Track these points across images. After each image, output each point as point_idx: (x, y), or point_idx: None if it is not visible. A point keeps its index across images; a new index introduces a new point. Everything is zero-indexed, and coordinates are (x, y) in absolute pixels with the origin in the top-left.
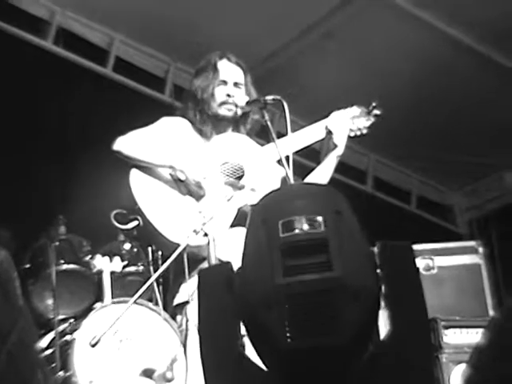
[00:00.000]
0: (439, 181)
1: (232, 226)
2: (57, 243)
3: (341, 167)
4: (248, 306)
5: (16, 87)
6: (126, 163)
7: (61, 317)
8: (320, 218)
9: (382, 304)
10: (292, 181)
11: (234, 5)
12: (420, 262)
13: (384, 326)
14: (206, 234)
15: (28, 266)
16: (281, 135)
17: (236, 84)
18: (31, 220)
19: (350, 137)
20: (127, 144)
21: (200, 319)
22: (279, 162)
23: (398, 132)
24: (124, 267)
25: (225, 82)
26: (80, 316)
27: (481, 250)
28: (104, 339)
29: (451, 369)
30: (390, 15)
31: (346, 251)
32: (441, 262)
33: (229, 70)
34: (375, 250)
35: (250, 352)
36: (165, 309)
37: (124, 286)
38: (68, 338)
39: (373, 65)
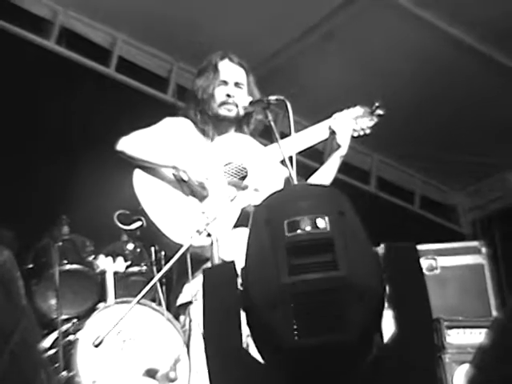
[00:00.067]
0: (442, 181)
1: (235, 226)
2: (60, 243)
3: (344, 167)
4: (252, 305)
5: (19, 87)
6: (129, 163)
7: (64, 317)
8: (325, 218)
9: (386, 305)
10: (295, 181)
11: (236, 5)
12: (423, 263)
13: (388, 327)
14: (209, 235)
15: (31, 266)
16: (284, 135)
17: (237, 84)
18: (34, 220)
19: (353, 137)
20: (130, 144)
21: (204, 318)
22: (282, 162)
23: (401, 132)
24: (127, 267)
25: (225, 83)
26: (83, 316)
27: (484, 250)
28: (107, 339)
29: (454, 369)
30: (392, 15)
31: (351, 251)
32: (444, 262)
33: (230, 70)
34: (379, 250)
35: (253, 351)
36: (168, 309)
37: (127, 286)
38: (71, 338)
39: (375, 65)
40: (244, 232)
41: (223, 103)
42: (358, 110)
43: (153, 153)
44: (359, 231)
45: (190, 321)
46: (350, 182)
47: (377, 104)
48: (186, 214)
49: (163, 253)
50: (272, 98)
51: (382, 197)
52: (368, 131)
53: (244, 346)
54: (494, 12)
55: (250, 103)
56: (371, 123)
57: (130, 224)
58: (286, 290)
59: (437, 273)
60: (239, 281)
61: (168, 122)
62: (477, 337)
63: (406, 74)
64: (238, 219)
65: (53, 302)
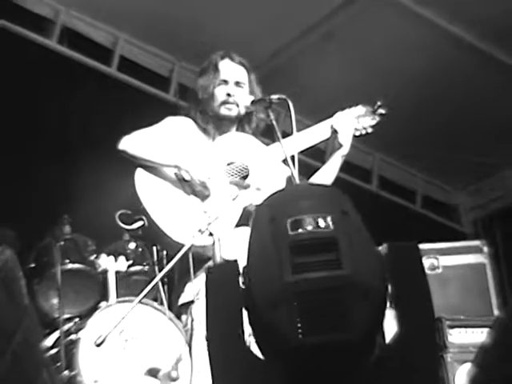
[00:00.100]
0: (444, 180)
1: (237, 225)
2: (62, 243)
3: (346, 166)
4: (255, 303)
5: (20, 86)
6: (131, 163)
7: (66, 316)
8: (329, 217)
9: (388, 305)
10: (297, 180)
11: (237, 4)
12: (425, 262)
13: (389, 327)
14: (211, 234)
15: (33, 265)
16: (286, 134)
17: (238, 83)
18: (36, 219)
19: (355, 136)
20: (132, 143)
21: (207, 317)
22: (284, 161)
23: (402, 131)
24: (129, 267)
25: (226, 82)
26: (85, 315)
27: (485, 249)
28: (109, 338)
29: (456, 368)
30: (392, 13)
31: (355, 250)
32: (446, 261)
33: (230, 70)
34: (381, 249)
35: (256, 350)
36: (170, 308)
37: (129, 285)
38: (73, 337)
39: (375, 64)
40: (246, 231)
41: (223, 102)
42: (360, 109)
43: (155, 152)
44: (362, 231)
45: (192, 320)
46: (352, 181)
47: (379, 103)
48: (187, 214)
49: (165, 252)
50: (274, 97)
51: (383, 196)
52: (370, 130)
53: (247, 344)
54: (494, 10)
55: (252, 102)
56: (373, 122)
57: (131, 223)
58: (289, 289)
59: (438, 272)
60: (242, 279)
61: (170, 122)
62: (478, 336)
63: (407, 72)
64: (240, 218)
65: (55, 301)
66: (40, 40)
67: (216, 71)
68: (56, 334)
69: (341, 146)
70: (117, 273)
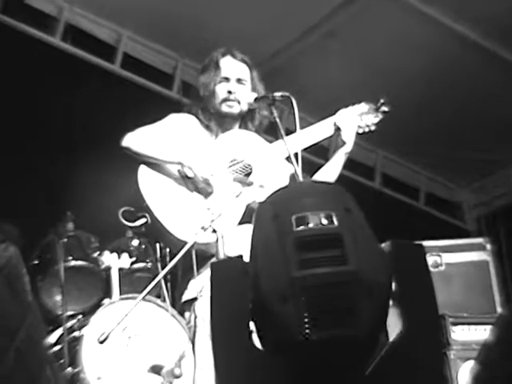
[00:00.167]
0: (447, 177)
1: (240, 222)
2: (65, 240)
3: (349, 163)
4: (262, 298)
5: (24, 83)
6: (135, 160)
7: (69, 313)
8: (333, 214)
9: (392, 302)
10: (301, 178)
11: (240, 2)
12: (428, 259)
13: (393, 324)
14: (214, 231)
15: (36, 262)
16: (289, 132)
17: (239, 80)
18: (39, 216)
19: (358, 133)
20: (136, 140)
21: (212, 312)
22: (288, 158)
23: (405, 128)
24: (132, 264)
25: (227, 79)
26: (88, 312)
27: (489, 246)
28: (112, 335)
29: (459, 365)
30: (395, 10)
31: (359, 247)
32: (449, 258)
33: (231, 67)
34: (384, 246)
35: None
36: (173, 305)
37: (132, 282)
38: (76, 334)
39: (378, 62)
40: (249, 229)
41: (224, 100)
42: (363, 107)
43: (158, 149)
44: (365, 228)
45: (196, 317)
46: (355, 179)
47: (382, 101)
48: (190, 211)
49: (168, 249)
50: (277, 94)
51: (386, 193)
52: (373, 128)
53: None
54: (499, 8)
55: (255, 99)
56: (376, 120)
57: (134, 221)
58: (296, 284)
59: (441, 269)
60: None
61: (173, 119)
62: (482, 333)
63: (410, 70)
64: (243, 216)
65: (58, 298)
66: (43, 37)
67: (217, 68)
68: (59, 331)
69: (344, 143)
70: (120, 270)
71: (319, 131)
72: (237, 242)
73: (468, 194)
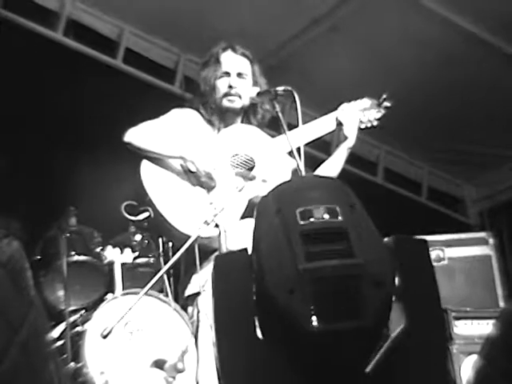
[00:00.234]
0: (450, 172)
1: (243, 217)
2: (68, 234)
3: (351, 158)
4: (268, 290)
5: (26, 78)
6: (137, 154)
7: (72, 308)
8: (337, 208)
9: (395, 297)
10: (303, 172)
11: None
12: (431, 253)
13: (396, 319)
14: (216, 225)
15: (39, 257)
16: (292, 126)
17: (240, 75)
18: (42, 211)
19: (360, 129)
20: (138, 135)
21: (215, 305)
22: (290, 153)
23: (408, 123)
24: (135, 258)
25: (227, 74)
26: (91, 307)
27: (491, 241)
28: (115, 330)
29: (462, 360)
30: (399, 6)
31: (364, 240)
32: (451, 253)
33: (232, 61)
34: (387, 241)
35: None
36: (176, 300)
37: (135, 277)
38: (79, 329)
39: (382, 56)
40: (252, 223)
41: (225, 95)
42: (366, 102)
43: (160, 144)
44: (369, 222)
45: (198, 312)
46: (358, 173)
47: (384, 96)
48: (193, 205)
49: (171, 244)
50: (279, 88)
51: (389, 188)
52: (375, 123)
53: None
54: (503, 3)
55: (258, 94)
56: (378, 115)
57: (137, 215)
58: (304, 276)
59: (444, 264)
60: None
61: (175, 113)
62: (484, 328)
63: (414, 64)
64: (246, 210)
65: (61, 293)
66: (45, 32)
67: (218, 63)
68: (62, 326)
69: (346, 138)
70: (123, 264)
71: (321, 126)
72: (239, 237)
73: (470, 188)
